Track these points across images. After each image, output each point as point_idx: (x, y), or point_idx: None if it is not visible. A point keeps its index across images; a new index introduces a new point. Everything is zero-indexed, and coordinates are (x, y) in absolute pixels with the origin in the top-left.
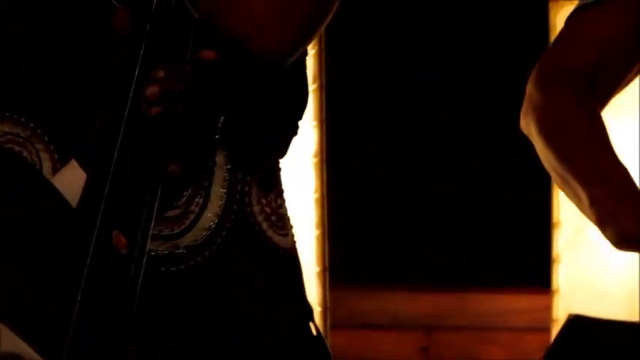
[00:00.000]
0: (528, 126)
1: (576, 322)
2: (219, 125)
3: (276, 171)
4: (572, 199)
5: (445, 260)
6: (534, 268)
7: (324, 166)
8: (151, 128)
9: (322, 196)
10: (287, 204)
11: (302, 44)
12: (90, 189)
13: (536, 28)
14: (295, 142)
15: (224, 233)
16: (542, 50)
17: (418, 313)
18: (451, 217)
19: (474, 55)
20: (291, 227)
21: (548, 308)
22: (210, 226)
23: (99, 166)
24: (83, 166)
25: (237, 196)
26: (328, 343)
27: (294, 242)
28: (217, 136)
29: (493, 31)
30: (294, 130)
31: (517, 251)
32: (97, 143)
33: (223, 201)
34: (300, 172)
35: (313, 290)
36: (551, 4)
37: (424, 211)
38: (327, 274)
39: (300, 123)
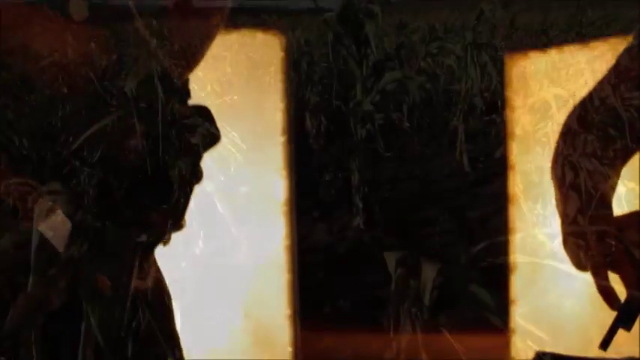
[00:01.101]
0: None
1: (544, 358)
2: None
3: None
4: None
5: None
6: (493, 309)
7: (294, 213)
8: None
9: (292, 243)
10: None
11: None
12: None
13: None
14: (266, 190)
15: None
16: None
17: (381, 352)
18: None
19: None
20: (154, 268)
21: (506, 347)
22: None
23: None
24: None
25: None
26: None
27: (157, 281)
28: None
29: None
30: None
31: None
32: None
33: None
34: (270, 219)
35: (284, 332)
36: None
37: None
38: (298, 316)
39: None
